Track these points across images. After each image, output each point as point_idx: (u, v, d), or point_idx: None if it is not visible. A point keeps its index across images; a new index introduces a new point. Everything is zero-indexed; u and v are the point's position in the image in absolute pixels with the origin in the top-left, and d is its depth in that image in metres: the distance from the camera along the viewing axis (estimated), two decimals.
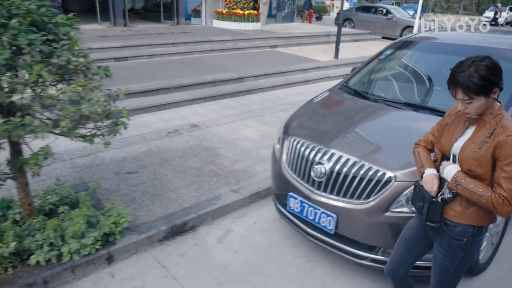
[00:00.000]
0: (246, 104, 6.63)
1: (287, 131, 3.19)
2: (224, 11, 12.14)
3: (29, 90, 2.04)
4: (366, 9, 18.21)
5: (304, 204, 2.78)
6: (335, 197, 2.61)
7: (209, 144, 4.81)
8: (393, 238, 2.48)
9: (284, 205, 3.06)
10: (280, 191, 3.10)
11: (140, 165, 4.15)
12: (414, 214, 2.39)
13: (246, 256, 3.02)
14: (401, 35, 15.43)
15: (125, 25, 11.26)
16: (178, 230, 3.23)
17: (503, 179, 1.63)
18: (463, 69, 1.62)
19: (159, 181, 3.84)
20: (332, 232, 2.65)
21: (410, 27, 15.42)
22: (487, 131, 1.69)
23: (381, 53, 4.03)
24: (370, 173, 2.49)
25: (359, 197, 2.52)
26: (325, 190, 2.66)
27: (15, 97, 1.94)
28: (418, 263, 2.39)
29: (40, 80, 2.15)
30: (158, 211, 3.35)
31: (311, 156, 2.77)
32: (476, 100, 1.63)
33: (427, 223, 1.89)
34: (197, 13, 12.91)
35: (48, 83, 2.27)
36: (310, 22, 17.88)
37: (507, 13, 30.09)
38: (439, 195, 1.86)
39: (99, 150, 4.39)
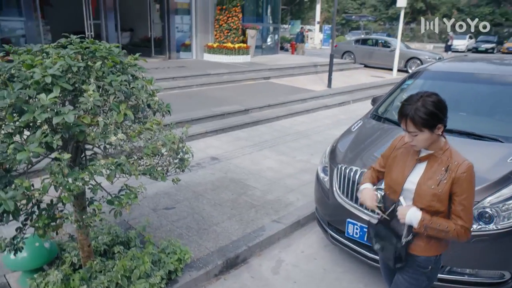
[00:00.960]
0: (257, 135, 6.74)
1: (334, 160, 3.30)
2: (215, 45, 12.45)
3: (120, 131, 2.07)
4: (364, 42, 18.12)
5: (365, 230, 2.86)
6: None
7: (235, 176, 4.85)
8: (461, 255, 2.60)
9: (338, 232, 3.12)
10: (334, 218, 3.18)
11: (174, 200, 4.13)
12: (479, 233, 2.53)
13: (305, 284, 3.04)
14: (405, 66, 15.63)
15: None
16: (231, 264, 3.22)
17: (463, 212, 1.74)
18: (411, 102, 1.70)
19: (199, 215, 3.83)
20: None
21: (414, 58, 15.72)
22: (440, 166, 1.76)
23: (402, 83, 4.28)
24: None
25: None
26: None
27: (113, 138, 1.97)
28: (449, 277, 2.60)
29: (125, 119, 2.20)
30: (209, 245, 3.33)
31: None
32: (421, 133, 1.70)
33: (396, 265, 1.94)
34: (186, 47, 13.16)
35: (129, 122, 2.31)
36: (293, 53, 18.53)
37: (467, 40, 32.34)
38: (402, 239, 1.88)
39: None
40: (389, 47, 16.67)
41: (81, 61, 2.17)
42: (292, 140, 6.58)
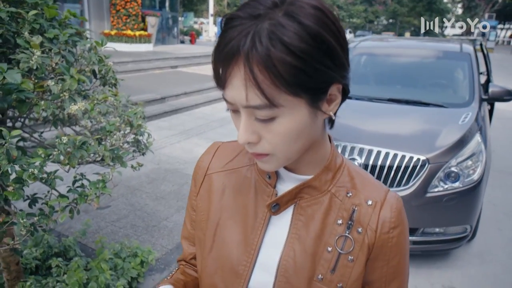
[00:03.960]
0: (180, 124, 6.26)
1: None
2: (113, 32, 11.30)
3: (81, 99, 1.55)
4: None
5: None
6: None
7: (170, 167, 4.37)
8: (433, 215, 2.67)
9: None
10: None
11: (108, 198, 3.51)
12: (448, 192, 2.63)
13: None
14: None
15: None
16: None
17: None
18: (258, 12, 0.52)
19: (143, 212, 3.31)
20: None
21: None
22: (333, 214, 0.67)
23: None
24: (405, 160, 2.63)
25: (398, 185, 2.63)
26: None
27: (74, 108, 1.45)
28: (422, 238, 2.66)
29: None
30: (164, 243, 2.88)
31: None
32: (287, 111, 0.54)
33: None
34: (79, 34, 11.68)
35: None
36: (193, 43, 18.00)
37: (348, 34, 35.84)
38: None
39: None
40: None
41: (7, 6, 1.58)
42: (219, 126, 6.27)
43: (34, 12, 1.61)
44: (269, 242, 0.69)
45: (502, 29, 43.05)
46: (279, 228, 0.68)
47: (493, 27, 32.50)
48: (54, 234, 2.86)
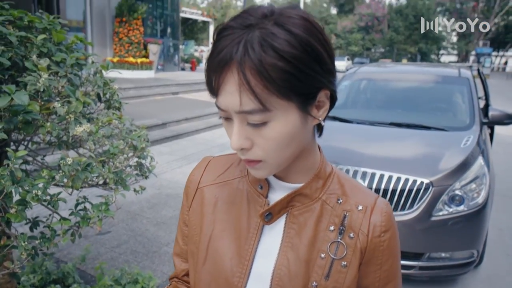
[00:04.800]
0: (181, 149, 6.27)
1: None
2: (115, 60, 11.50)
3: (86, 121, 1.56)
4: None
5: None
6: None
7: (171, 192, 4.35)
8: (439, 240, 2.63)
9: None
10: None
11: (108, 224, 3.47)
12: (453, 215, 2.60)
13: None
14: None
15: None
16: None
17: None
18: (249, 22, 0.55)
19: (144, 237, 3.26)
20: None
21: None
22: (325, 221, 0.68)
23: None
24: (409, 183, 2.61)
25: (402, 209, 2.60)
26: None
27: (79, 130, 1.45)
28: (428, 264, 2.60)
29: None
30: (166, 269, 2.82)
31: None
32: (278, 113, 0.56)
33: None
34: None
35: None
36: (193, 70, 18.30)
37: (346, 61, 36.46)
38: None
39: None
40: None
41: (17, 30, 1.61)
42: (220, 151, 6.27)
43: (42, 36, 1.64)
44: (262, 252, 0.69)
45: (496, 56, 43.94)
46: (272, 238, 0.69)
47: (488, 54, 33.19)
48: (52, 260, 2.80)
